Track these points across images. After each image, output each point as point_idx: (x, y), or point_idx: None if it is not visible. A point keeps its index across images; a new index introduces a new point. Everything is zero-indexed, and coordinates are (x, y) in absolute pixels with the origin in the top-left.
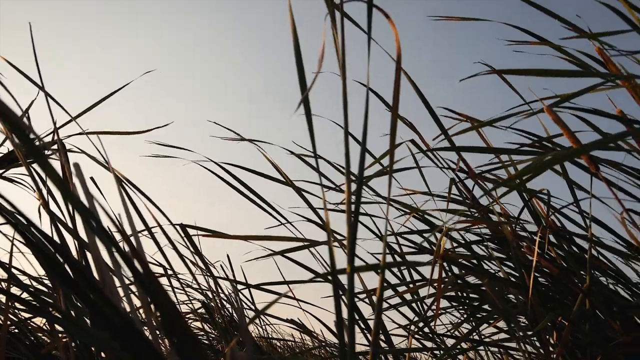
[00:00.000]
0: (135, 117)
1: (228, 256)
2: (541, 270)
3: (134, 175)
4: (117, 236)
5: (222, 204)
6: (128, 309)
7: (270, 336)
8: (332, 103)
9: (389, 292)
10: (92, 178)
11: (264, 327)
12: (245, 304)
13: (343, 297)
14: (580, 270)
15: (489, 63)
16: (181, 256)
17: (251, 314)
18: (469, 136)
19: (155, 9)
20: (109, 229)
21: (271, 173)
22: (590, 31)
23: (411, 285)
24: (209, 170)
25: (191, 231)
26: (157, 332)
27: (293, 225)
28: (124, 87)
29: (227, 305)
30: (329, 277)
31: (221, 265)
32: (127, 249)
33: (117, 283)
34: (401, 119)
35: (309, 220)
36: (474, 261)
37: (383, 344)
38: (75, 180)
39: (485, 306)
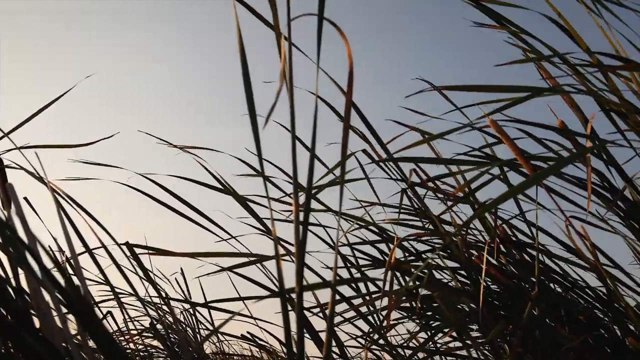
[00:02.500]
0: (81, 130)
1: (182, 270)
2: (493, 279)
3: (77, 191)
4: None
5: (171, 217)
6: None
7: (225, 352)
8: (286, 115)
9: (344, 306)
10: (25, 198)
11: (218, 343)
12: (200, 321)
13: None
14: (530, 277)
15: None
16: (126, 277)
17: (207, 331)
18: (419, 147)
19: (104, 17)
20: (50, 249)
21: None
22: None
23: (367, 298)
24: (133, 188)
25: (139, 249)
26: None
27: (238, 240)
28: (61, 97)
29: (183, 322)
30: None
31: (176, 279)
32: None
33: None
34: (352, 130)
35: (261, 231)
36: (426, 271)
37: (338, 357)
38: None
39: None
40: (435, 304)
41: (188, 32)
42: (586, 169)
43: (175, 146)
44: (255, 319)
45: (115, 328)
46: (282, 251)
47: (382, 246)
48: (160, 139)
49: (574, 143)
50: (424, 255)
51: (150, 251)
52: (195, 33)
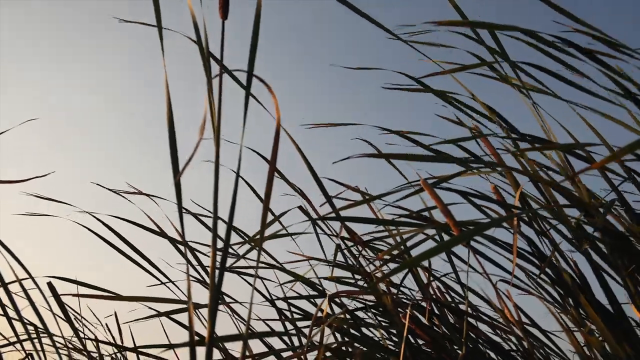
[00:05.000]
0: (27, 165)
1: (115, 314)
2: (422, 339)
3: (7, 228)
4: None
5: (110, 258)
6: None
7: None
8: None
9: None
10: None
11: None
12: None
13: None
14: (458, 337)
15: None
16: (39, 315)
17: None
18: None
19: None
20: None
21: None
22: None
23: (297, 351)
24: (87, 228)
25: (71, 289)
26: None
27: (175, 285)
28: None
29: None
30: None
31: (106, 324)
32: None
33: None
34: (291, 186)
35: (195, 279)
36: (357, 327)
37: None
38: None
39: None
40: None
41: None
42: (513, 235)
43: (118, 192)
44: None
45: None
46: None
47: (320, 301)
48: (102, 186)
49: (508, 211)
50: (357, 313)
51: (81, 288)
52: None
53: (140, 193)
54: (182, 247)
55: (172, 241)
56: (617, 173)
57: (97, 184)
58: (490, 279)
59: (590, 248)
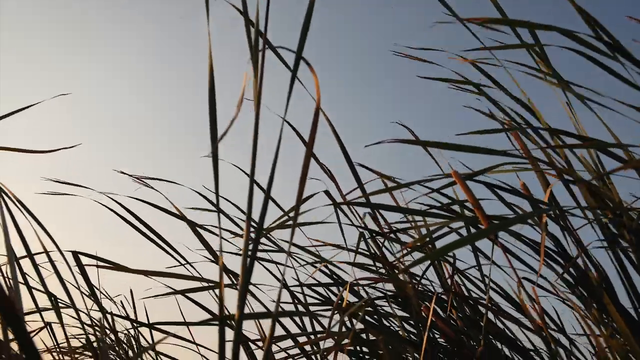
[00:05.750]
0: (45, 143)
1: (131, 291)
2: (441, 332)
3: (46, 208)
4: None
5: (125, 242)
6: None
7: None
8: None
9: (289, 342)
10: None
11: None
12: (145, 341)
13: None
14: (477, 334)
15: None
16: (64, 286)
17: (152, 353)
18: (384, 196)
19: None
20: None
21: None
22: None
23: (312, 337)
24: (106, 207)
25: (90, 263)
26: None
27: (193, 267)
28: (30, 106)
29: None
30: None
31: (121, 301)
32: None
33: None
34: (322, 167)
35: (211, 261)
36: (376, 317)
37: None
38: None
39: None
40: (381, 351)
41: (157, 53)
42: (541, 233)
43: (138, 179)
44: (197, 344)
45: (53, 343)
46: (228, 280)
47: (341, 289)
48: (123, 172)
49: (536, 208)
50: (376, 302)
51: (100, 263)
52: (163, 54)
53: (161, 179)
54: (200, 231)
55: (189, 223)
56: None
57: (121, 172)
58: (517, 275)
59: (620, 250)
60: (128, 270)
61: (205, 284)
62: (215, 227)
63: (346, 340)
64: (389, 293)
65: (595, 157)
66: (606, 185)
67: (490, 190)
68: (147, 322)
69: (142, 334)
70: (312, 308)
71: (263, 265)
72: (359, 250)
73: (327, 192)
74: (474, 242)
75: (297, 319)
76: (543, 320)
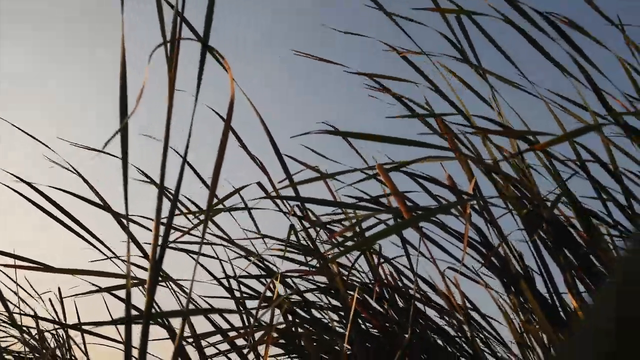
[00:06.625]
0: None
1: (59, 289)
2: (368, 321)
3: None
4: None
5: (53, 233)
6: None
7: None
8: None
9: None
10: None
11: None
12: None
13: (172, 340)
14: (405, 322)
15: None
16: None
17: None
18: (316, 187)
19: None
20: None
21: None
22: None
23: (242, 331)
24: (16, 191)
25: (9, 261)
26: None
27: (121, 259)
28: None
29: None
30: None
31: (50, 300)
32: None
33: None
34: (253, 159)
35: (140, 256)
36: (306, 309)
37: None
38: None
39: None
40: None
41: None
42: (465, 223)
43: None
44: (122, 343)
45: None
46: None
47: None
48: (45, 144)
49: (459, 198)
50: (313, 294)
51: (19, 262)
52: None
53: (88, 148)
54: (124, 220)
55: (113, 213)
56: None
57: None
58: (436, 264)
59: (538, 239)
60: (45, 269)
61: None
62: (144, 217)
63: (275, 335)
64: (322, 285)
65: (517, 148)
66: (526, 177)
67: (415, 182)
68: (70, 324)
69: (70, 336)
70: (248, 303)
71: (194, 259)
72: (291, 241)
73: (259, 184)
74: (399, 231)
75: (231, 312)
76: (464, 302)
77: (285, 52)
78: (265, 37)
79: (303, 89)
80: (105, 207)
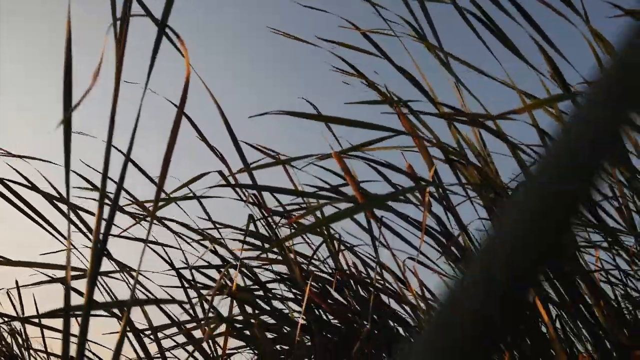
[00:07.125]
0: None
1: (17, 282)
2: (324, 311)
3: None
4: None
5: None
6: None
7: None
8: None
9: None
10: None
11: None
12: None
13: (128, 332)
14: (366, 313)
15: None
16: None
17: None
18: (277, 174)
19: None
20: None
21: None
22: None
23: (202, 322)
24: None
25: None
26: None
27: (79, 251)
28: None
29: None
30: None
31: (7, 292)
32: None
33: None
34: (212, 149)
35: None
36: (266, 300)
37: None
38: None
39: (277, 347)
40: (276, 335)
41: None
42: (423, 211)
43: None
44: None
45: None
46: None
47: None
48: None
49: (417, 184)
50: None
51: None
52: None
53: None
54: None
55: (72, 205)
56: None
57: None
58: (393, 252)
59: None
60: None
61: (80, 273)
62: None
63: (223, 327)
64: (284, 275)
65: (478, 135)
66: (488, 165)
67: (373, 169)
68: (19, 317)
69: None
70: (201, 292)
71: (151, 249)
72: (250, 231)
73: (220, 172)
74: (352, 215)
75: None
76: (422, 292)
77: (250, 40)
78: (224, 26)
79: (271, 76)
80: (48, 195)
